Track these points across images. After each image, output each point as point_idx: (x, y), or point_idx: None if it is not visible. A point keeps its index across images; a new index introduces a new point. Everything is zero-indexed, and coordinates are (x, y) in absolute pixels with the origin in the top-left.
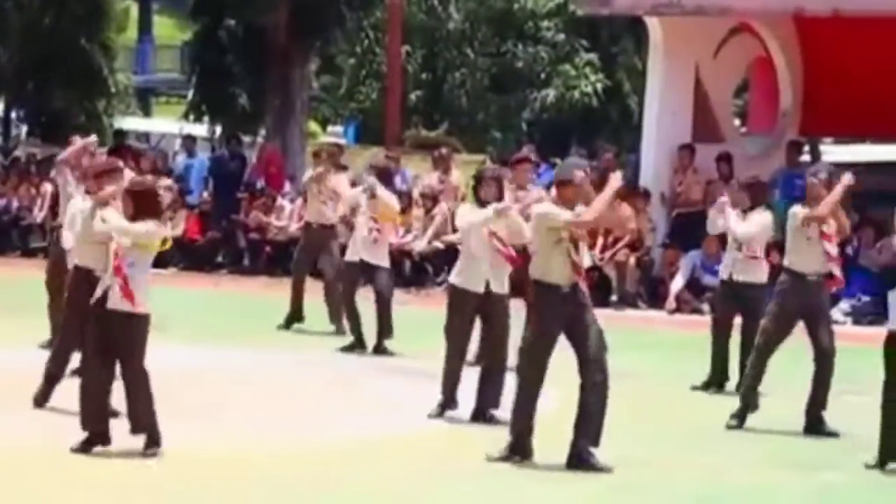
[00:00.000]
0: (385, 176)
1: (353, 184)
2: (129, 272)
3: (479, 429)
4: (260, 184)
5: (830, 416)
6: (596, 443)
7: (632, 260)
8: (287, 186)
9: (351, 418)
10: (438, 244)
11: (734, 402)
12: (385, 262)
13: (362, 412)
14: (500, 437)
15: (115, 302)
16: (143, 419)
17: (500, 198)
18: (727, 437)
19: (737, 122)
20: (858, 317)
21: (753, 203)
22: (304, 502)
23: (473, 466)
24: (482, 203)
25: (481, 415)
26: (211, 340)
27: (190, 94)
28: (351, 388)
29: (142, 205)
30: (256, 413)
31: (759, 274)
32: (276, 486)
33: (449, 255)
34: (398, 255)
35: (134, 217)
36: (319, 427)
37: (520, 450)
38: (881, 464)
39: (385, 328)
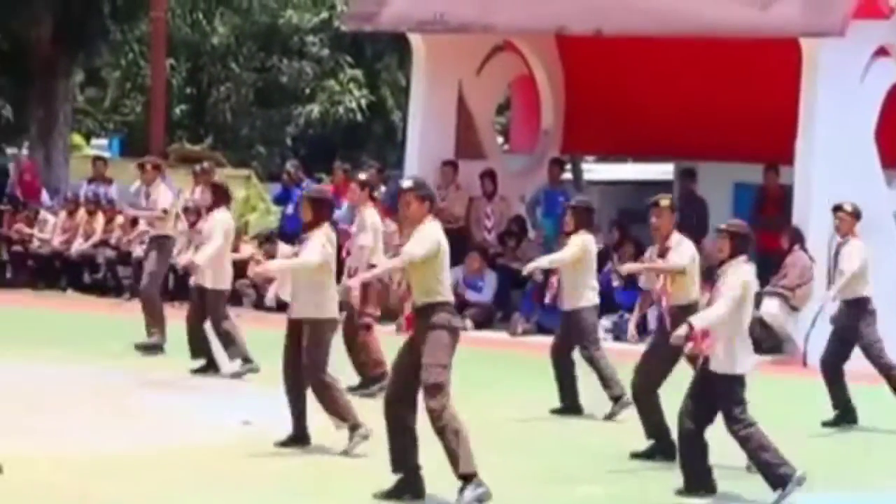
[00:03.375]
0: None
1: None
2: None
3: (246, 443)
4: (21, 197)
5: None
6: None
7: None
8: (48, 199)
9: (113, 431)
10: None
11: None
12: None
13: (126, 425)
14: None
15: None
16: None
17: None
18: (502, 451)
19: (500, 139)
20: (620, 333)
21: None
22: None
23: (233, 480)
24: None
25: None
26: None
27: None
28: (117, 400)
29: None
30: (17, 426)
31: None
32: (29, 498)
33: None
34: None
35: None
36: (79, 439)
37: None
38: None
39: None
